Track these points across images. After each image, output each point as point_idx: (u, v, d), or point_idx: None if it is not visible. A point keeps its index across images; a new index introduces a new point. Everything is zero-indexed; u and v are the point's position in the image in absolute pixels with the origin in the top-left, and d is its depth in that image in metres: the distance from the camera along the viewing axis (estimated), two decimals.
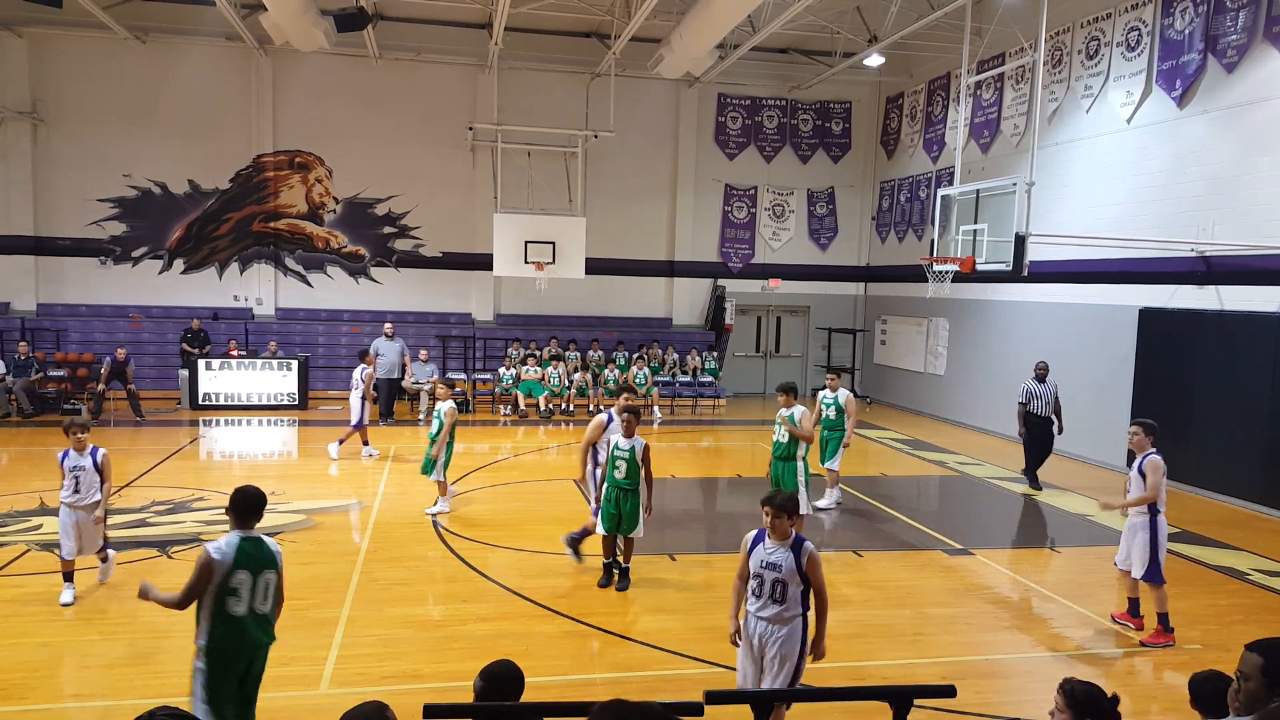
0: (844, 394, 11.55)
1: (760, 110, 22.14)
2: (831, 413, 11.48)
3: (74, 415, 7.64)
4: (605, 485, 8.27)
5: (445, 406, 10.58)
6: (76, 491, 7.58)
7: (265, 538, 4.79)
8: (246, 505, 4.74)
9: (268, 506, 5.01)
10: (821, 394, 11.81)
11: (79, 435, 7.63)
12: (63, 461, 7.61)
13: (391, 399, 17.52)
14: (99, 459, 7.68)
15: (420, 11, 19.13)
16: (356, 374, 13.93)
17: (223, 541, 4.64)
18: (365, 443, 14.00)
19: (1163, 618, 7.28)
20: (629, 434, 8.20)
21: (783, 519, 5.07)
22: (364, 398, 13.66)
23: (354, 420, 13.67)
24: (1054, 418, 12.88)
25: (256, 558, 4.67)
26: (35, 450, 14.02)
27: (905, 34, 16.78)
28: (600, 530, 8.35)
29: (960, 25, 14.58)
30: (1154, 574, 7.28)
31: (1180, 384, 13.13)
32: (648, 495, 8.17)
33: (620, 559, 8.36)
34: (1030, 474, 13.15)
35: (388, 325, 17.95)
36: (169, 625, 7.07)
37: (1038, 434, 12.96)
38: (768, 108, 22.16)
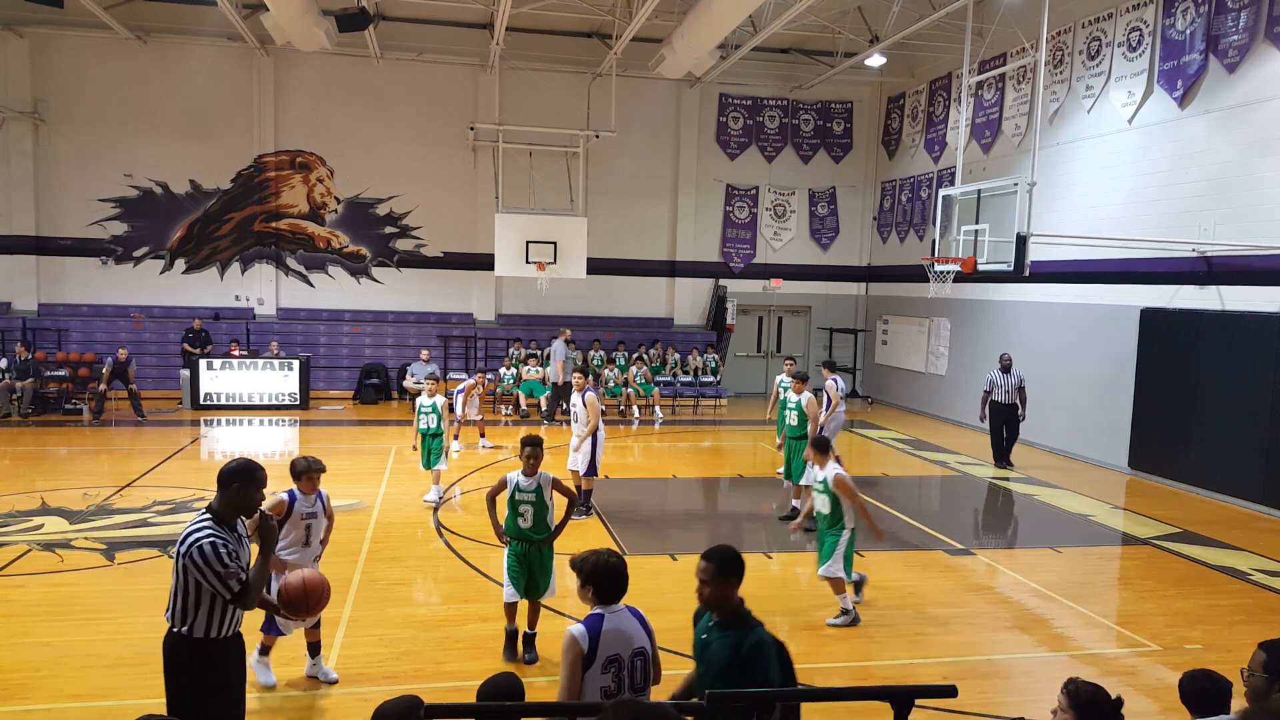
0: (806, 397, 10.76)
1: (762, 110, 22.13)
2: (794, 417, 10.77)
3: (310, 457, 6.33)
4: (508, 541, 6.77)
5: (442, 401, 11.38)
6: (307, 545, 6.26)
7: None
8: None
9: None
10: (785, 394, 11.15)
11: (315, 479, 6.27)
12: (292, 506, 6.17)
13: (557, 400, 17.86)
14: (327, 502, 6.46)
15: (422, 11, 19.13)
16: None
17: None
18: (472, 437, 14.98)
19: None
20: (530, 472, 6.69)
21: (581, 589, 4.03)
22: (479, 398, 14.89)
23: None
24: (1018, 404, 14.11)
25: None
26: (35, 450, 14.06)
27: (907, 34, 16.77)
28: (507, 595, 6.74)
29: (962, 25, 14.56)
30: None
31: (1182, 384, 13.11)
32: (561, 521, 6.86)
33: (526, 625, 6.84)
34: (997, 457, 14.49)
35: (566, 331, 18.47)
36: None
37: (1001, 420, 14.42)
38: (769, 108, 22.14)
